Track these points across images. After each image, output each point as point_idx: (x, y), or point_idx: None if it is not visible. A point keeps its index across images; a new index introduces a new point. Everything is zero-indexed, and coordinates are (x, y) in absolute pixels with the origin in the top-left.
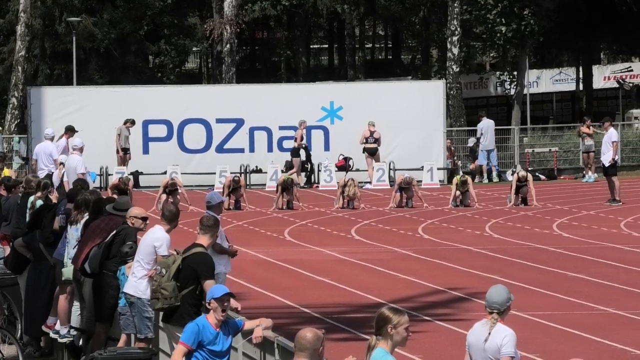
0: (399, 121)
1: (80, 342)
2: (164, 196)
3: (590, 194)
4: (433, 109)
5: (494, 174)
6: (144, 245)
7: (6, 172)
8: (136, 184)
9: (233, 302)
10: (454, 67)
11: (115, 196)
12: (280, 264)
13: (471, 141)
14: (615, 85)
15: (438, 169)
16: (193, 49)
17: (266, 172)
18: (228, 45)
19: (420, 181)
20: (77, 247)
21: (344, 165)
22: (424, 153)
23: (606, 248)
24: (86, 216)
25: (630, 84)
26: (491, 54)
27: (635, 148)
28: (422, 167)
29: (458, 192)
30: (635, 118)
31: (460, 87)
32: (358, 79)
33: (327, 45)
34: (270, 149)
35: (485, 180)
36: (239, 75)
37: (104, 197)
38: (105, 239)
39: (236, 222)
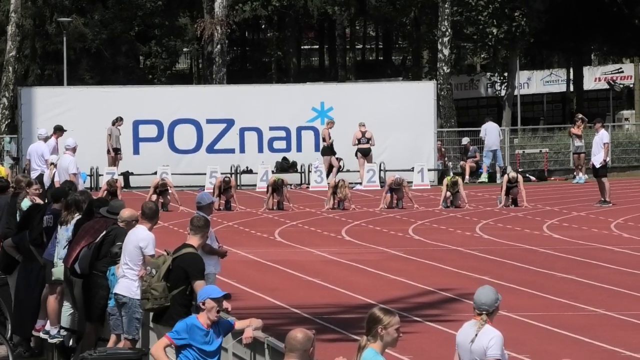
0: (390, 122)
1: (71, 343)
2: (154, 197)
3: (580, 195)
4: (424, 110)
5: (485, 175)
6: (130, 246)
7: (1, 170)
8: (126, 185)
9: (224, 303)
10: (444, 68)
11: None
12: (271, 264)
13: (465, 140)
14: (606, 86)
15: (429, 170)
16: (184, 50)
17: (257, 173)
18: (219, 46)
19: (411, 182)
20: (67, 247)
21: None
22: (414, 154)
23: (596, 249)
24: (76, 216)
25: (621, 85)
26: (482, 55)
27: (626, 149)
28: (413, 168)
29: (448, 193)
30: (626, 119)
31: (451, 88)
32: (349, 80)
33: (317, 46)
34: (260, 150)
35: (485, 180)
36: (230, 76)
37: (96, 197)
38: (95, 240)
39: (226, 223)
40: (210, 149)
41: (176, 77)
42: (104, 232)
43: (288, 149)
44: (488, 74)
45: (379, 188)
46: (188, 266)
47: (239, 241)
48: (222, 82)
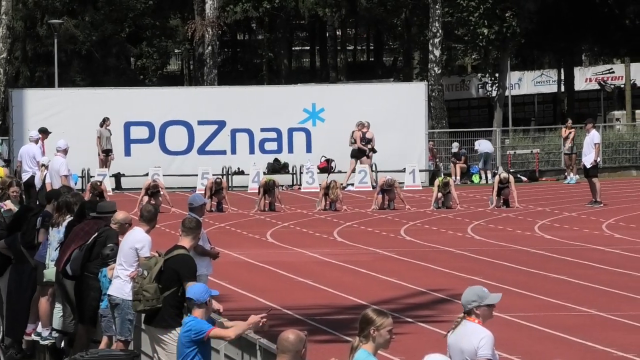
0: (381, 123)
1: (62, 345)
2: (145, 198)
3: (571, 195)
4: (415, 111)
5: (476, 176)
6: (126, 247)
7: (0, 171)
8: (118, 186)
9: (215, 304)
10: (435, 69)
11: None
12: (263, 265)
13: (455, 146)
14: (597, 87)
15: (420, 170)
16: (175, 51)
17: (248, 174)
18: (210, 47)
19: (402, 183)
20: (59, 249)
21: (326, 167)
22: (405, 155)
23: (588, 249)
24: (68, 218)
25: (612, 86)
26: (473, 56)
27: (617, 150)
28: (404, 169)
29: (440, 194)
30: (617, 120)
31: (442, 89)
32: (340, 81)
33: (308, 47)
34: (252, 151)
35: (484, 181)
36: (221, 77)
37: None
38: (87, 242)
39: (218, 224)
40: (202, 151)
41: (167, 78)
42: (96, 234)
43: (279, 151)
44: (479, 74)
45: (371, 189)
46: (180, 268)
47: (230, 242)
48: (213, 84)
